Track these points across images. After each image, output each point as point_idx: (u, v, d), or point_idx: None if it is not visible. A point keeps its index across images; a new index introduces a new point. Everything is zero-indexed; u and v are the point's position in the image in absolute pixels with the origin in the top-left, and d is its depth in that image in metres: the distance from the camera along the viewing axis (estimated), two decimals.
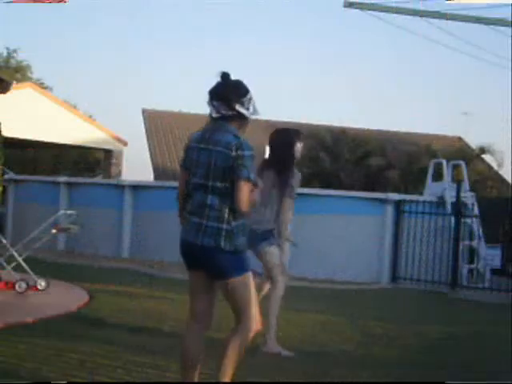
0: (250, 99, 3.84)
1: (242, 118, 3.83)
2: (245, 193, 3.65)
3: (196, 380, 3.84)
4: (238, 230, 3.71)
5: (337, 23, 52.78)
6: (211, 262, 3.72)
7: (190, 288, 3.91)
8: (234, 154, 3.67)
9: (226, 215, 3.69)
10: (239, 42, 53.55)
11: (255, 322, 3.79)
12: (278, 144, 5.87)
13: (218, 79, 3.84)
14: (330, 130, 21.52)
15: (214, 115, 3.80)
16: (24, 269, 7.99)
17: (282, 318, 5.89)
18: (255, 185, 3.75)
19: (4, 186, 15.08)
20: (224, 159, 3.68)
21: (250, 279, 3.79)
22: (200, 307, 3.90)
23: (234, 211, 3.68)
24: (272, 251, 5.70)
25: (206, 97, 3.83)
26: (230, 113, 3.77)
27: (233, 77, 3.87)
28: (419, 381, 4.97)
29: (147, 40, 53.21)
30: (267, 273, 5.82)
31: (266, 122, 26.78)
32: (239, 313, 3.80)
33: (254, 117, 3.89)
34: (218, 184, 3.69)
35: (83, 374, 4.44)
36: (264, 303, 5.39)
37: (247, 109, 3.82)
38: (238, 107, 3.77)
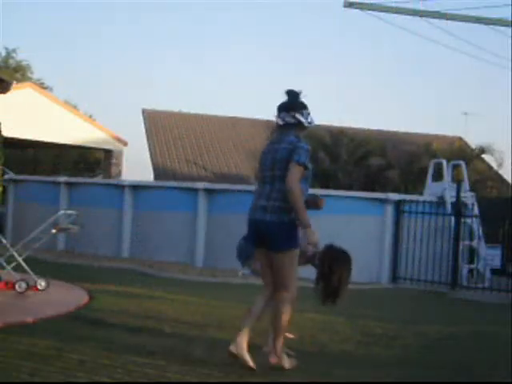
0: (309, 113, 4.83)
1: (301, 127, 4.82)
2: (294, 173, 4.58)
3: (249, 326, 4.87)
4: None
5: (337, 23, 52.84)
6: (273, 234, 4.67)
7: (260, 265, 4.93)
8: (292, 147, 4.67)
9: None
10: (239, 41, 53.59)
11: (294, 291, 4.77)
12: None
13: (285, 95, 4.85)
14: (330, 130, 21.52)
15: (280, 123, 4.83)
16: (24, 269, 7.99)
17: None
18: (306, 168, 4.65)
19: (4, 186, 15.08)
20: (286, 152, 4.67)
21: (296, 255, 4.76)
22: (267, 279, 4.89)
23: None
24: None
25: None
26: (293, 120, 4.78)
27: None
28: (419, 381, 4.97)
29: (147, 40, 53.25)
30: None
31: (267, 122, 26.88)
32: (280, 281, 4.73)
33: (310, 126, 4.88)
34: (280, 172, 4.66)
35: (83, 374, 4.44)
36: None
37: (306, 119, 4.81)
38: (298, 116, 4.77)
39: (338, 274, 5.07)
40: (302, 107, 4.81)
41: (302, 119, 4.78)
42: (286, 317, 4.75)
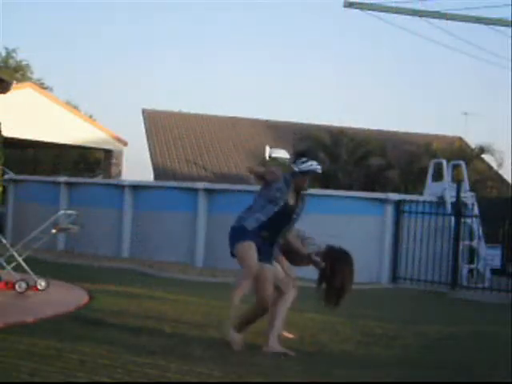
0: (303, 162, 5.49)
1: (296, 173, 5.49)
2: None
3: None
4: (255, 219, 5.38)
5: (337, 23, 52.83)
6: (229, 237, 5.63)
7: None
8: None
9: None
10: (239, 41, 53.59)
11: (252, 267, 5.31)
12: None
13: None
14: (330, 130, 21.52)
15: None
16: (24, 269, 7.98)
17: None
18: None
19: (4, 186, 15.08)
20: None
21: (246, 246, 5.35)
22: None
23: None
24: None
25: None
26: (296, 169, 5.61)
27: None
28: (419, 381, 4.97)
29: (147, 40, 53.24)
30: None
31: (266, 122, 26.91)
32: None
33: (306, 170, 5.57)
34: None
35: (83, 374, 4.44)
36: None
37: (297, 167, 5.48)
38: (293, 166, 5.53)
39: (341, 275, 5.07)
40: (299, 157, 5.59)
41: (295, 168, 5.53)
42: (239, 291, 5.43)
